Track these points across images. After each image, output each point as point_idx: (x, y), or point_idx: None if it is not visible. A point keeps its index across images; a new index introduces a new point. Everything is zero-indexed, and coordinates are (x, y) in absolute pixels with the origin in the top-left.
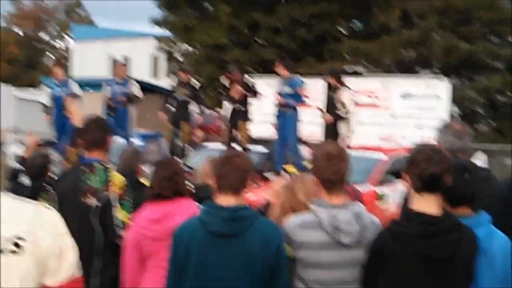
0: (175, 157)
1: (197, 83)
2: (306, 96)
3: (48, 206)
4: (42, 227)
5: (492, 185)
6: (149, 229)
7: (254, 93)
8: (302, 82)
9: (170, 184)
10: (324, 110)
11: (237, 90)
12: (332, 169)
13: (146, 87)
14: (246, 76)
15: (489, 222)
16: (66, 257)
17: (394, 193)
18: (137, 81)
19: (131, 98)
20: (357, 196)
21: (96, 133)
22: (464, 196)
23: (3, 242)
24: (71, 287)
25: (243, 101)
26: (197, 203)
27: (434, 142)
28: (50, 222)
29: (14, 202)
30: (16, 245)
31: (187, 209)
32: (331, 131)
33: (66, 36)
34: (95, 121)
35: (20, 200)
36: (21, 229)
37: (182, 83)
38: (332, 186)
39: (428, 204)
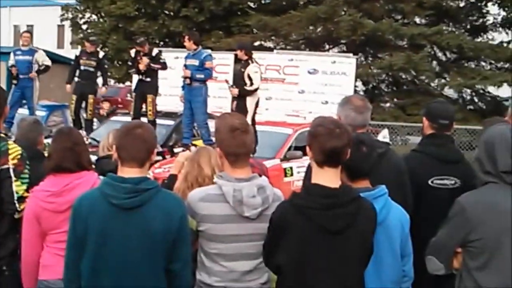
0: (80, 130)
1: (102, 53)
2: (214, 70)
3: None
4: None
5: (390, 159)
6: (49, 202)
7: (161, 65)
8: (210, 55)
9: (71, 155)
10: (232, 84)
11: (144, 62)
12: (235, 142)
13: (51, 58)
14: (154, 48)
15: (386, 195)
16: None
17: (300, 168)
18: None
19: (40, 69)
20: (262, 170)
21: None
22: (362, 169)
23: None
24: None
25: (151, 74)
26: (100, 176)
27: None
28: None
29: None
30: None
31: (89, 182)
32: (239, 106)
33: None
34: None
35: None
36: None
37: (87, 53)
38: (236, 159)
39: (328, 178)
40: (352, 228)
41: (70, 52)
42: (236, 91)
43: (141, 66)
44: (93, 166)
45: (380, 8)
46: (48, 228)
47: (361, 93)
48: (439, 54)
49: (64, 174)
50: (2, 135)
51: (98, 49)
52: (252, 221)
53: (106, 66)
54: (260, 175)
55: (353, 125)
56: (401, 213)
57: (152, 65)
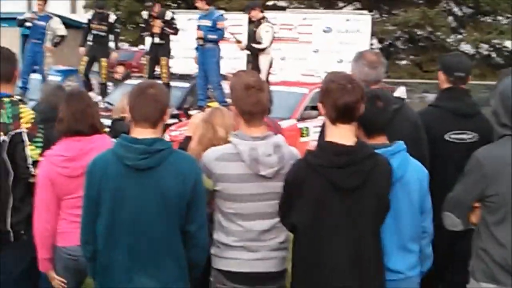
0: (90, 92)
1: (114, 16)
2: (227, 31)
3: None
4: None
5: (405, 114)
6: (64, 167)
7: (174, 30)
8: (222, 15)
9: (83, 117)
10: (244, 43)
11: (157, 25)
12: (251, 100)
13: (65, 23)
14: (166, 11)
15: (405, 151)
16: None
17: (317, 128)
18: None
19: (56, 41)
20: (277, 129)
21: (3, 66)
22: (378, 124)
23: None
24: None
25: (164, 36)
26: (113, 139)
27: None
28: None
29: None
30: None
31: (103, 145)
32: (253, 66)
33: None
34: (1, 53)
35: None
36: None
37: (98, 18)
38: (251, 117)
39: (342, 134)
40: (367, 185)
41: (83, 17)
42: (242, 45)
43: (155, 29)
44: (108, 129)
45: None
46: (62, 193)
47: (377, 50)
48: (455, 9)
49: (77, 137)
50: (15, 99)
51: (109, 13)
52: (269, 180)
53: (117, 30)
54: (276, 134)
55: (367, 81)
56: (420, 169)
57: (165, 29)
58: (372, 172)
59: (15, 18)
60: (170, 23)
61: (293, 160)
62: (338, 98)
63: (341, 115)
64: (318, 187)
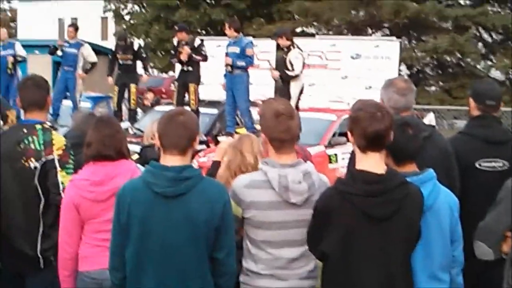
0: (120, 122)
1: (137, 44)
2: (256, 57)
3: None
4: None
5: (436, 141)
6: (90, 191)
7: (202, 57)
8: (251, 42)
9: (111, 142)
10: (277, 72)
11: (185, 52)
12: (281, 127)
13: (95, 49)
14: (196, 38)
15: (435, 179)
16: None
17: (345, 154)
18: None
19: (87, 68)
20: (306, 156)
21: (36, 93)
22: (408, 151)
23: None
24: None
25: (192, 63)
26: (141, 165)
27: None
28: None
29: None
30: None
31: (128, 170)
32: (282, 92)
33: None
34: (34, 81)
35: None
36: None
37: (122, 48)
38: (281, 144)
39: (372, 163)
40: (399, 213)
41: (113, 43)
42: (276, 73)
43: (183, 56)
44: (137, 155)
45: None
46: (87, 217)
47: (406, 77)
48: (485, 36)
49: (103, 162)
50: (47, 126)
51: (133, 40)
52: (298, 207)
53: (144, 55)
54: (305, 161)
55: (396, 108)
56: (450, 197)
57: (193, 56)
58: (403, 200)
59: (46, 45)
60: (198, 50)
61: (323, 188)
62: (368, 126)
63: (371, 143)
64: (349, 215)
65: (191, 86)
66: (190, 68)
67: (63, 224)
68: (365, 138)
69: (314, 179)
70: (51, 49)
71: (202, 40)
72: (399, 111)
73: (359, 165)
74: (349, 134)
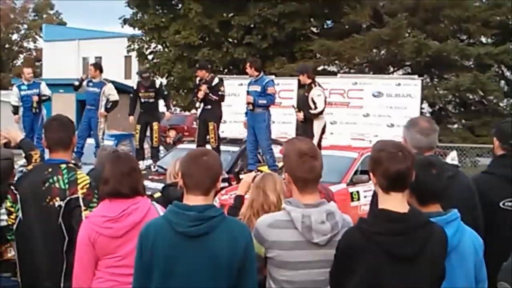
0: (141, 160)
1: (159, 81)
2: (278, 95)
3: None
4: None
5: (460, 181)
6: (107, 227)
7: (219, 97)
8: (272, 81)
9: (128, 180)
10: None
11: (203, 90)
12: (305, 167)
13: (118, 88)
14: (215, 77)
15: (459, 219)
16: None
17: (367, 192)
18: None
19: (108, 107)
20: (328, 195)
21: (61, 133)
22: (433, 192)
23: None
24: None
25: (211, 102)
26: (163, 203)
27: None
28: None
29: None
30: None
31: (144, 207)
32: (304, 131)
33: (37, 37)
34: (59, 120)
35: None
36: None
37: (144, 86)
38: (304, 184)
39: (395, 203)
40: (423, 253)
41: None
42: (301, 115)
43: (199, 94)
44: (160, 194)
45: (444, 28)
46: (102, 253)
47: (428, 115)
48: (507, 74)
49: (119, 200)
50: (71, 165)
51: (155, 78)
52: (322, 247)
53: (166, 93)
54: (328, 200)
55: (419, 148)
56: (475, 238)
57: (210, 95)
58: (427, 240)
59: (71, 84)
60: (215, 89)
61: (347, 227)
62: (389, 166)
63: (393, 183)
64: (373, 255)
65: (211, 125)
66: (209, 107)
67: (78, 259)
68: (387, 178)
69: (338, 219)
70: (75, 86)
71: (221, 80)
72: (422, 151)
73: (382, 205)
74: (371, 175)
